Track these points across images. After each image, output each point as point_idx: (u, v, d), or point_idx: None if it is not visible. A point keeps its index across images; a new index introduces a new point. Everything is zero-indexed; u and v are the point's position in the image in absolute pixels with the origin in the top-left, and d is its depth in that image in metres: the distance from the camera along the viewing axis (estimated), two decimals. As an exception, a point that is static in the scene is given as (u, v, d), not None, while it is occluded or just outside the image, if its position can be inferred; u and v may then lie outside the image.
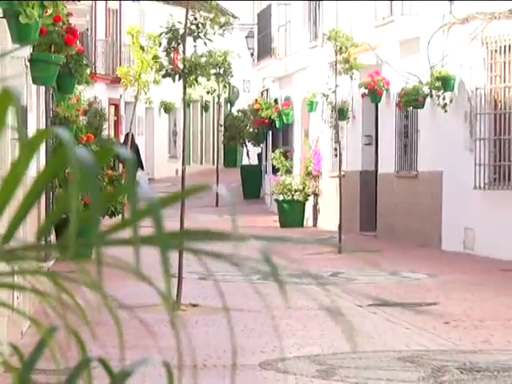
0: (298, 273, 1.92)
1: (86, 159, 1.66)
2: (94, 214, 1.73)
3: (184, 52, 32.25)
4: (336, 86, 32.14)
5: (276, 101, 45.77)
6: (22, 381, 1.91)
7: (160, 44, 43.51)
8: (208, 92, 47.37)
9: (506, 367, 13.14)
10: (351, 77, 33.58)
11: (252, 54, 52.21)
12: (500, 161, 27.56)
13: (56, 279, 1.86)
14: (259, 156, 52.23)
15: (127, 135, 46.71)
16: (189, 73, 33.15)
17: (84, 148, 1.71)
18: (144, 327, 1.98)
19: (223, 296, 1.96)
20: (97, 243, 1.71)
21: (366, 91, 33.10)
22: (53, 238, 14.95)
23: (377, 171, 34.57)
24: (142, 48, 43.71)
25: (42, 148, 14.56)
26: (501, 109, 27.62)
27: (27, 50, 12.67)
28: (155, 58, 42.37)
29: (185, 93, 30.73)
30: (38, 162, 2.03)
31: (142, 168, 48.24)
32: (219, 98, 50.98)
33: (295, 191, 39.30)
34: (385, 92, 32.58)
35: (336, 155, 34.31)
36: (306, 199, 39.19)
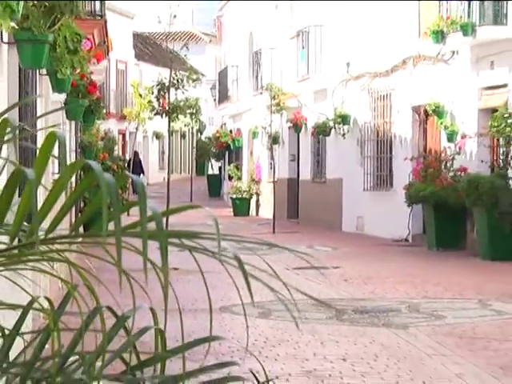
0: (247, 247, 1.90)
1: (111, 180, 1.68)
2: (116, 215, 1.72)
3: (169, 98, 31.92)
4: (271, 121, 32.25)
5: (231, 131, 45.79)
6: (54, 321, 1.88)
7: (152, 92, 43.13)
8: (185, 125, 47.11)
9: (384, 309, 13.24)
10: (281, 115, 33.75)
11: (215, 100, 52.07)
12: (380, 172, 27.76)
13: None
14: (220, 168, 52.13)
15: (135, 153, 47.64)
16: (172, 112, 32.83)
17: (109, 174, 1.73)
18: (139, 284, 1.94)
19: (198, 263, 1.94)
20: (118, 234, 1.71)
21: (291, 125, 33.14)
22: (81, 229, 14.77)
23: (298, 178, 34.59)
24: (140, 95, 43.44)
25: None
26: (381, 137, 27.80)
27: (63, 97, 12.59)
28: (149, 102, 42.07)
29: (169, 125, 30.64)
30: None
31: (143, 173, 48.43)
32: (192, 129, 50.91)
33: (244, 192, 39.33)
34: (304, 125, 32.55)
35: (271, 168, 34.35)
36: (251, 197, 39.22)
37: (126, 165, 47.40)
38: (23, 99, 9.88)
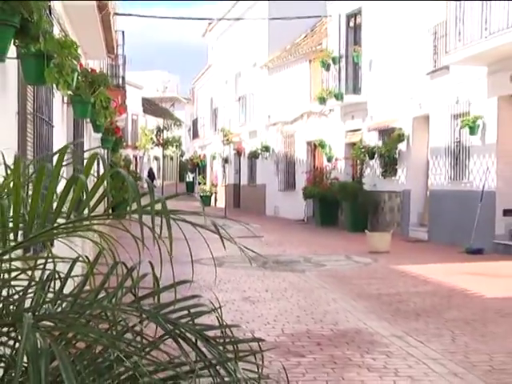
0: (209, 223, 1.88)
1: (131, 181, 1.66)
2: (137, 201, 1.69)
3: (162, 136, 31.68)
4: (223, 150, 32.19)
5: (199, 155, 45.63)
6: (91, 269, 1.85)
7: (153, 132, 42.73)
8: (172, 152, 47.12)
9: (290, 261, 13.26)
10: (229, 146, 33.69)
11: (190, 137, 51.95)
12: (288, 180, 27.84)
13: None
14: (193, 177, 51.83)
15: (150, 169, 48.74)
16: (165, 144, 32.54)
17: (131, 177, 1.71)
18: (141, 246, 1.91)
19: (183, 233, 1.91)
20: (139, 212, 1.68)
21: (236, 152, 33.11)
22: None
23: (240, 183, 34.56)
24: (145, 134, 43.30)
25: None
26: (288, 159, 27.90)
27: (100, 135, 12.46)
28: (151, 138, 41.99)
29: (163, 152, 30.49)
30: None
31: (155, 179, 48.81)
32: (177, 155, 50.74)
33: (207, 191, 39.22)
34: (243, 152, 32.56)
35: (223, 177, 34.34)
36: (211, 194, 39.10)
37: (147, 174, 49.35)
38: (77, 138, 9.80)
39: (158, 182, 50.53)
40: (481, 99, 15.26)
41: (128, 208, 1.70)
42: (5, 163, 2.01)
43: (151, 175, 50.43)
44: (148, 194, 1.73)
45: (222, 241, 1.80)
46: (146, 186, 1.84)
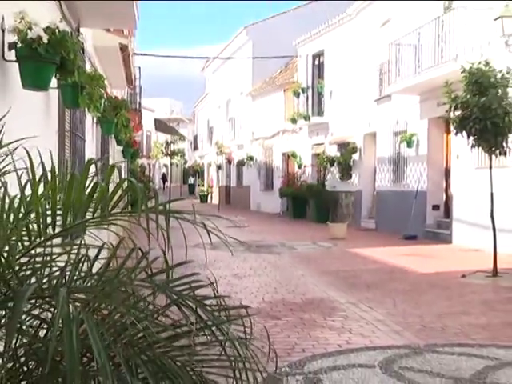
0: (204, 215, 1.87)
1: (140, 187, 1.64)
2: (145, 203, 1.68)
3: (170, 148, 31.51)
4: (217, 159, 32.04)
5: (199, 163, 45.44)
6: (114, 253, 1.84)
7: (163, 145, 42.42)
8: (178, 160, 46.79)
9: (269, 245, 13.20)
10: (222, 156, 33.50)
11: (191, 149, 51.71)
12: (267, 182, 27.80)
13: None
14: (194, 180, 51.61)
15: (163, 173, 48.52)
16: (171, 154, 32.37)
17: (140, 184, 1.69)
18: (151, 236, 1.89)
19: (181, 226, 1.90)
20: (146, 211, 1.66)
21: (227, 161, 32.99)
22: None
23: (230, 185, 34.45)
24: (157, 147, 43.02)
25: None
26: (268, 167, 27.85)
27: (121, 148, 12.35)
28: (161, 150, 41.75)
29: (170, 161, 30.31)
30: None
31: (167, 182, 48.22)
32: (181, 163, 50.46)
33: (205, 191, 39.03)
34: (233, 161, 32.47)
35: (217, 180, 34.23)
36: (208, 194, 38.93)
37: (161, 177, 48.76)
38: (104, 150, 9.72)
39: (166, 184, 50.20)
40: (415, 120, 15.38)
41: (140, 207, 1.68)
42: (40, 171, 2.00)
43: (164, 178, 50.62)
44: (158, 197, 1.72)
45: (209, 236, 1.80)
46: (156, 189, 1.84)
